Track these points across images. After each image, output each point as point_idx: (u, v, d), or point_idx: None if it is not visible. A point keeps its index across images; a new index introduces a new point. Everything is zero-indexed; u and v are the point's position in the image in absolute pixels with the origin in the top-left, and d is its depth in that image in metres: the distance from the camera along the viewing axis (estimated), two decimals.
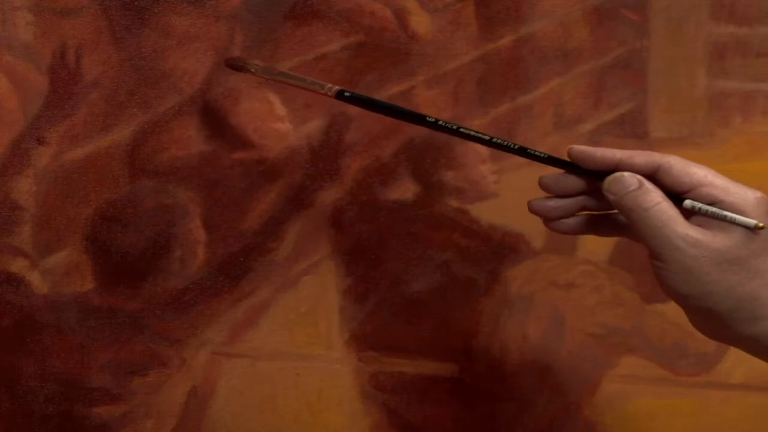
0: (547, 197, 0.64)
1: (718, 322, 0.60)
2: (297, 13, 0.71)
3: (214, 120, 0.71)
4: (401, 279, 0.76)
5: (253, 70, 0.66)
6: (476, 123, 0.76)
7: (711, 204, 0.60)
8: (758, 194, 0.60)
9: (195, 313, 0.72)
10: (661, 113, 0.79)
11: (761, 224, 0.59)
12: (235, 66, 0.67)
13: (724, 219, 0.59)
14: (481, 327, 0.78)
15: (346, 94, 0.61)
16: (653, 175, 0.61)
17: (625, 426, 0.81)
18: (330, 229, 0.75)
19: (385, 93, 0.74)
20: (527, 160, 0.77)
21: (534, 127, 0.77)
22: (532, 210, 0.64)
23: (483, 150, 0.76)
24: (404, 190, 0.75)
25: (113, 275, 0.70)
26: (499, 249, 0.77)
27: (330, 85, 0.62)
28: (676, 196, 0.60)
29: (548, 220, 0.64)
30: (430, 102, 0.75)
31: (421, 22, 0.74)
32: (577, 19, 0.77)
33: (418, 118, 0.62)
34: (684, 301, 0.60)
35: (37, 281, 0.68)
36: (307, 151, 0.73)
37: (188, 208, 0.71)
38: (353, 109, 0.73)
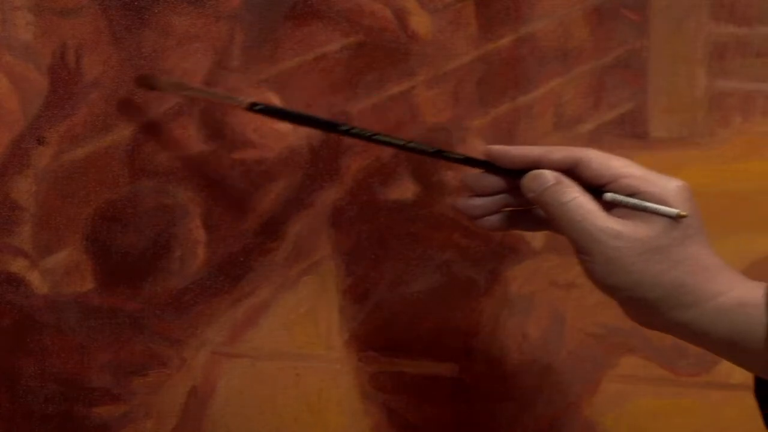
0: (471, 196, 0.65)
1: (649, 311, 0.60)
2: (297, 13, 0.71)
3: (214, 120, 0.71)
4: (401, 279, 0.76)
5: (163, 87, 0.66)
6: (476, 123, 0.76)
7: (631, 195, 0.60)
8: (679, 182, 0.61)
9: (195, 313, 0.72)
10: (661, 113, 0.79)
11: (683, 213, 0.59)
12: (146, 84, 0.67)
13: (645, 210, 0.60)
14: (481, 327, 0.78)
15: (258, 106, 0.62)
16: (573, 170, 0.62)
17: (625, 426, 0.81)
18: (330, 229, 0.75)
19: (385, 93, 0.74)
20: None
21: (534, 127, 0.77)
22: (456, 209, 0.66)
23: (483, 150, 0.76)
24: (404, 190, 0.75)
25: (113, 275, 0.70)
26: (499, 249, 0.77)
27: (242, 98, 0.63)
28: (597, 189, 0.61)
29: (473, 218, 0.65)
30: (430, 102, 0.75)
31: (421, 22, 0.74)
32: (577, 19, 0.77)
33: (332, 126, 0.63)
34: (613, 292, 0.61)
35: (37, 281, 0.68)
36: (307, 151, 0.73)
37: (188, 208, 0.71)
38: (353, 109, 0.73)
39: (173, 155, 0.70)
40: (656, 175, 0.61)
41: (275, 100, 0.72)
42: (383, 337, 0.76)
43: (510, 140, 0.77)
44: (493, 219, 0.65)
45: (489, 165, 0.64)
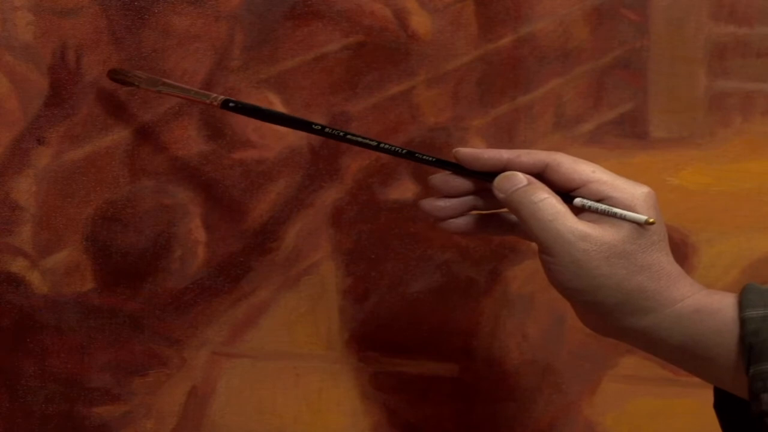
0: (437, 197, 0.65)
1: (606, 315, 0.61)
2: (297, 13, 0.71)
3: (214, 120, 0.71)
4: (401, 279, 0.76)
5: (136, 83, 0.66)
6: (476, 123, 0.76)
7: (600, 200, 0.61)
8: (645, 189, 0.61)
9: (195, 313, 0.72)
10: (661, 113, 0.79)
11: (651, 219, 0.60)
12: (118, 78, 0.67)
13: (614, 215, 0.60)
14: (481, 327, 0.78)
15: (231, 104, 0.62)
16: (542, 174, 0.62)
17: (625, 426, 0.81)
18: (330, 229, 0.75)
19: (385, 93, 0.74)
20: None
21: (534, 127, 0.77)
22: (422, 209, 0.66)
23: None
24: (404, 190, 0.75)
25: (113, 275, 0.70)
26: (499, 249, 0.77)
27: (215, 95, 0.63)
28: (566, 194, 0.61)
29: (438, 219, 0.65)
30: (430, 102, 0.75)
31: (421, 22, 0.74)
32: (577, 19, 0.77)
33: (305, 125, 0.63)
34: (574, 295, 0.61)
35: (37, 281, 0.68)
36: (307, 151, 0.73)
37: (188, 208, 0.71)
38: (353, 109, 0.73)
39: (173, 155, 0.70)
40: (624, 180, 0.62)
41: (275, 100, 0.72)
42: (383, 337, 0.76)
43: (510, 140, 0.77)
44: (459, 221, 0.65)
45: (459, 167, 0.64)
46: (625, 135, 0.79)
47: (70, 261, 0.69)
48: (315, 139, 0.73)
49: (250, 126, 0.71)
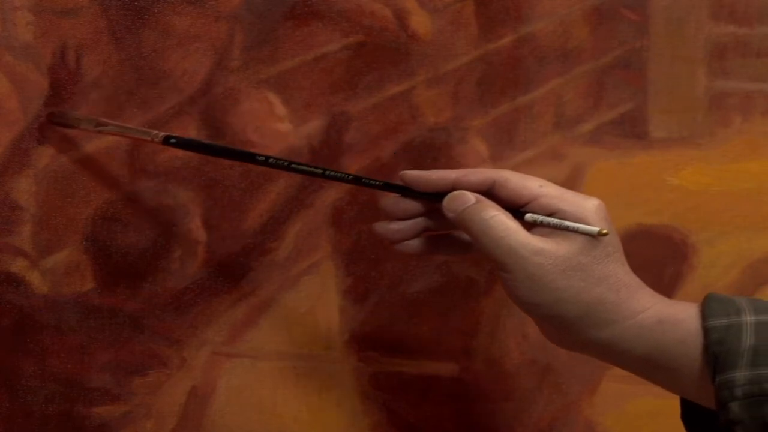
0: (390, 221, 0.65)
1: (567, 329, 0.61)
2: (297, 13, 0.71)
3: (214, 120, 0.71)
4: (401, 279, 0.76)
5: (78, 124, 0.66)
6: (476, 123, 0.76)
7: (550, 214, 0.61)
8: (595, 202, 0.62)
9: (195, 313, 0.72)
10: (661, 113, 0.79)
11: (604, 230, 0.60)
12: (60, 122, 0.67)
13: (566, 228, 0.60)
14: (481, 327, 0.78)
15: (172, 140, 0.62)
16: (490, 191, 0.62)
17: (625, 426, 0.81)
18: (330, 229, 0.75)
19: (385, 93, 0.74)
20: (526, 161, 0.78)
21: (534, 127, 0.77)
22: (376, 233, 0.66)
23: (483, 150, 0.76)
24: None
25: (113, 275, 0.70)
26: None
27: (156, 131, 0.63)
28: (516, 210, 0.61)
29: (392, 242, 0.66)
30: (430, 102, 0.75)
31: (421, 22, 0.74)
32: (577, 19, 0.77)
33: (249, 157, 0.63)
34: (533, 309, 0.61)
35: (37, 281, 0.68)
36: (307, 151, 0.73)
37: (188, 208, 0.71)
38: (353, 109, 0.73)
39: (173, 155, 0.70)
40: (573, 194, 0.62)
41: (275, 100, 0.72)
42: (383, 337, 0.76)
43: (510, 140, 0.77)
44: (413, 243, 0.66)
45: (408, 190, 0.64)
46: (625, 135, 0.79)
47: (70, 261, 0.69)
48: (315, 139, 0.73)
49: (250, 126, 0.71)
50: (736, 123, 0.81)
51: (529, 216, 0.61)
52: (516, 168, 0.76)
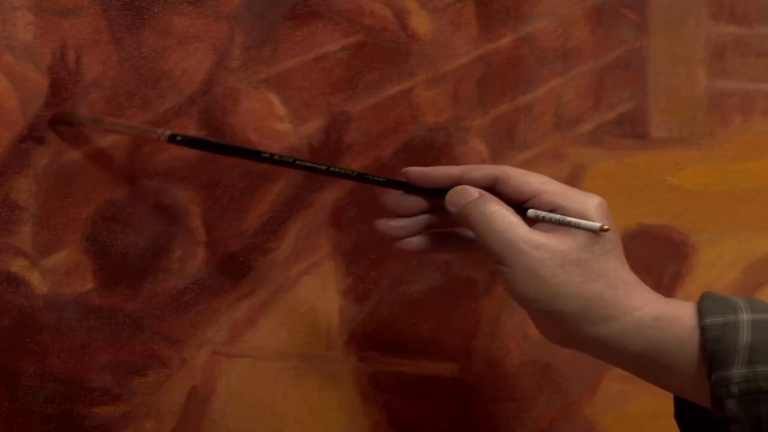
0: (392, 217, 0.66)
1: (565, 324, 0.61)
2: (297, 13, 0.71)
3: (214, 120, 0.71)
4: (401, 279, 0.76)
5: (81, 123, 0.66)
6: (476, 123, 0.76)
7: (552, 210, 0.61)
8: (597, 199, 0.62)
9: (195, 313, 0.72)
10: (661, 113, 0.80)
11: (606, 226, 0.60)
12: (63, 120, 0.67)
13: (568, 224, 0.60)
14: (481, 327, 0.78)
15: (178, 138, 0.62)
16: (493, 187, 0.63)
17: (625, 426, 0.81)
18: (330, 229, 0.75)
19: (385, 93, 0.74)
20: (527, 159, 0.78)
21: (534, 127, 0.77)
22: (378, 230, 0.66)
23: (483, 149, 0.76)
24: None
25: (113, 275, 0.70)
26: None
27: (162, 130, 0.63)
28: (518, 206, 0.62)
29: (394, 239, 0.66)
30: (430, 102, 0.75)
31: (421, 22, 0.74)
32: (577, 19, 0.77)
33: (254, 155, 0.63)
34: (531, 304, 0.61)
35: (37, 281, 0.68)
36: (307, 151, 0.73)
37: (188, 208, 0.71)
38: (353, 109, 0.73)
39: (173, 155, 0.70)
40: (574, 190, 0.62)
41: (275, 100, 0.72)
42: (383, 337, 0.76)
43: (510, 140, 0.77)
44: (415, 240, 0.66)
45: (410, 186, 0.65)
46: (625, 135, 0.79)
47: (70, 261, 0.69)
48: (315, 138, 0.73)
49: (249, 126, 0.71)
50: (736, 123, 0.81)
51: (531, 212, 0.61)
52: (516, 166, 0.76)
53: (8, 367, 0.68)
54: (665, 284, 0.81)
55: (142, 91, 0.69)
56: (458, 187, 0.63)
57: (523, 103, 0.77)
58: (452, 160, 0.75)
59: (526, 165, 0.77)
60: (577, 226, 0.60)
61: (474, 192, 0.62)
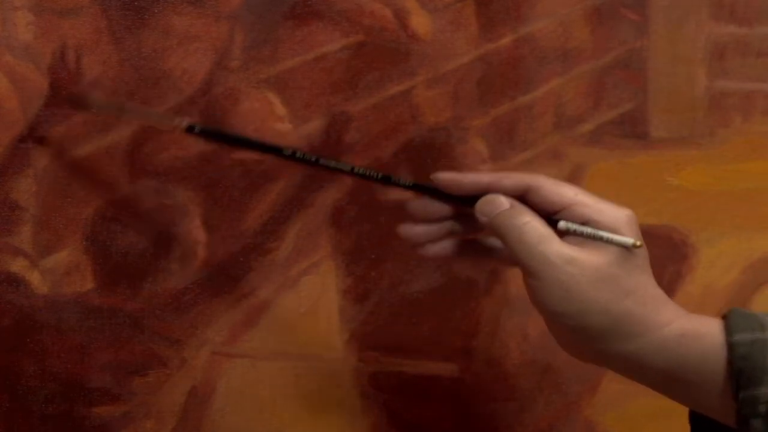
0: (415, 223, 0.64)
1: (591, 340, 0.60)
2: (297, 13, 0.71)
3: (214, 120, 0.71)
4: (401, 279, 0.76)
5: (97, 107, 0.66)
6: (476, 123, 0.76)
7: (583, 223, 0.60)
8: (628, 212, 0.60)
9: (195, 313, 0.72)
10: (661, 113, 0.80)
11: (638, 243, 0.59)
12: (79, 103, 0.66)
13: (600, 239, 0.59)
14: (481, 327, 0.78)
15: (196, 129, 0.61)
16: (524, 197, 0.61)
17: (625, 426, 0.81)
18: (330, 229, 0.75)
19: (385, 93, 0.74)
20: (527, 159, 0.78)
21: (534, 127, 0.77)
22: (402, 235, 0.64)
23: (483, 150, 0.76)
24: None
25: (113, 275, 0.70)
26: None
27: (180, 118, 0.62)
28: (548, 217, 0.60)
29: (416, 245, 0.64)
30: (430, 102, 0.75)
31: (421, 22, 0.74)
32: (577, 19, 0.77)
33: (275, 151, 0.61)
34: (559, 319, 0.60)
35: (37, 281, 0.68)
36: (307, 151, 0.73)
37: (188, 208, 0.71)
38: (353, 109, 0.73)
39: (173, 155, 0.70)
40: (606, 203, 0.61)
41: (275, 100, 0.72)
42: (383, 337, 0.76)
43: (510, 140, 0.77)
44: (437, 247, 0.64)
45: (438, 192, 0.63)
46: (625, 135, 0.79)
47: (70, 261, 0.69)
48: (315, 139, 0.73)
49: (250, 126, 0.71)
50: (736, 123, 0.81)
51: (562, 224, 0.60)
52: (516, 168, 0.76)
53: (8, 367, 0.68)
54: (665, 284, 0.81)
55: (142, 91, 0.69)
56: (489, 196, 0.61)
57: (523, 103, 0.77)
58: (452, 161, 0.75)
59: (526, 165, 0.77)
60: (610, 241, 0.59)
61: (505, 202, 0.60)
